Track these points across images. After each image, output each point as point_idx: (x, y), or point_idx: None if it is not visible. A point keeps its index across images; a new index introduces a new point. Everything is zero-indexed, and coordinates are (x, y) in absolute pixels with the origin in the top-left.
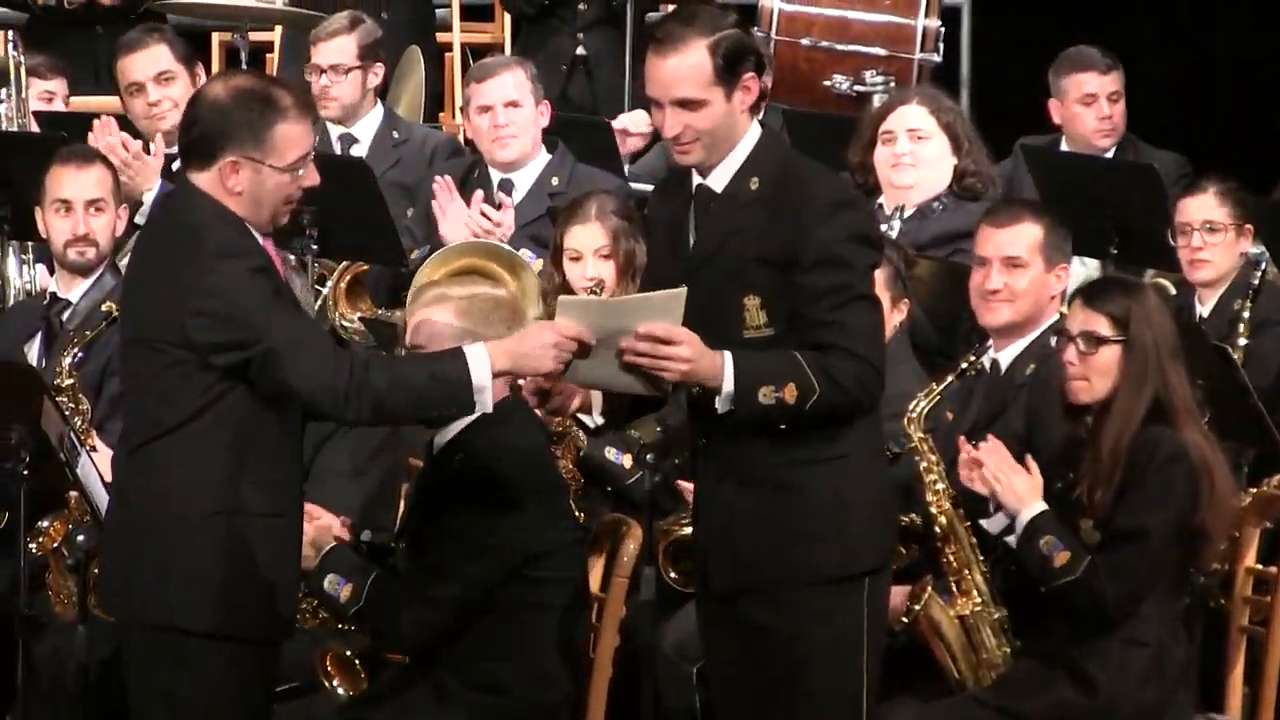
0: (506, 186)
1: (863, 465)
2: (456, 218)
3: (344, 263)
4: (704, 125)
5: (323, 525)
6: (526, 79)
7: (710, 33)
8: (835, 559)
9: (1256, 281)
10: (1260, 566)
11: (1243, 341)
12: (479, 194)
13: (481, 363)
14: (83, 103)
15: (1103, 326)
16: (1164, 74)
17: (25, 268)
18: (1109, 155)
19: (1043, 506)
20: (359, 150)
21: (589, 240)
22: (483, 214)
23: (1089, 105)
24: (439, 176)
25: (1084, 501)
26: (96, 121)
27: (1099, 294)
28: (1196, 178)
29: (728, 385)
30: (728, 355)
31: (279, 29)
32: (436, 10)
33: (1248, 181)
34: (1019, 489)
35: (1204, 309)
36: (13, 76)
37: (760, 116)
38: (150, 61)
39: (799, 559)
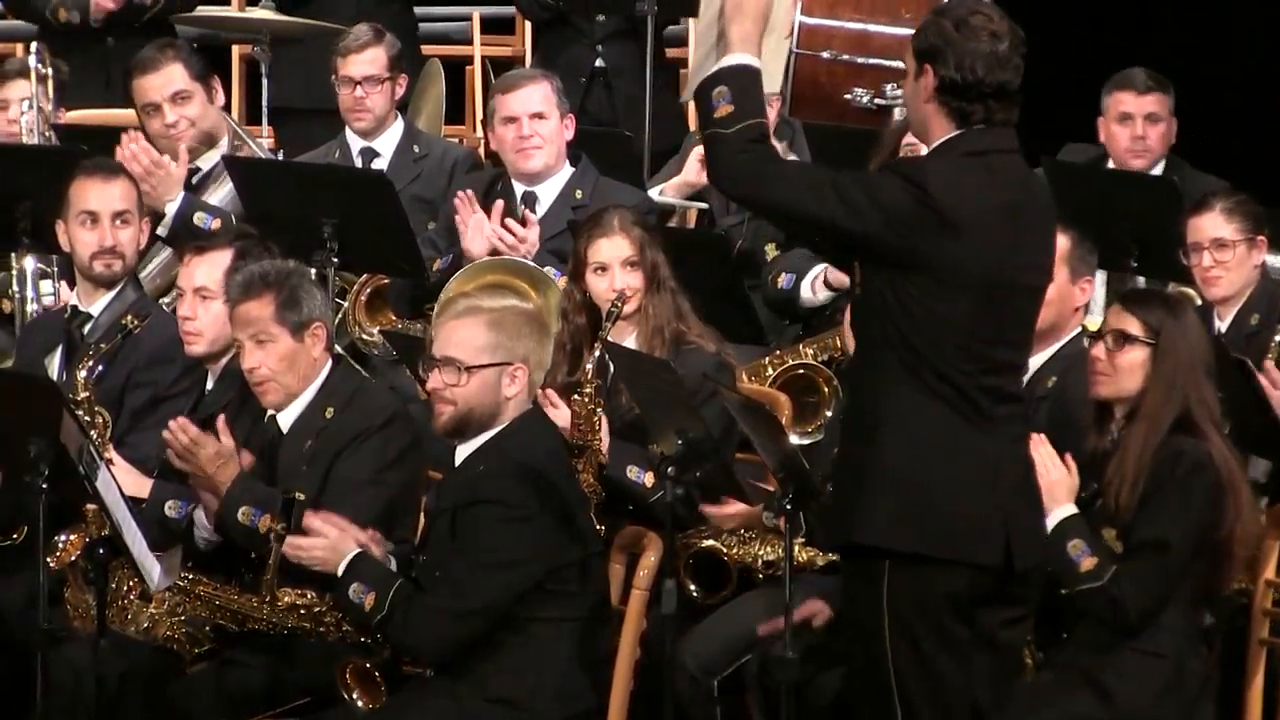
0: (530, 199)
1: (929, 446)
2: (479, 231)
3: (364, 276)
4: None
5: (344, 535)
6: (553, 91)
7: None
8: (861, 528)
9: None
10: None
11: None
12: (499, 204)
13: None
14: (94, 115)
15: (1133, 327)
16: (1184, 86)
17: (48, 281)
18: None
19: (1074, 509)
20: (379, 164)
21: (615, 251)
22: (507, 229)
23: (1124, 124)
24: (461, 191)
25: (1108, 510)
26: (124, 135)
27: (1139, 300)
28: (1203, 194)
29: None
30: None
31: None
32: (457, 23)
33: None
34: (1056, 487)
35: (1222, 324)
36: (35, 88)
37: None
38: (165, 81)
39: (845, 522)
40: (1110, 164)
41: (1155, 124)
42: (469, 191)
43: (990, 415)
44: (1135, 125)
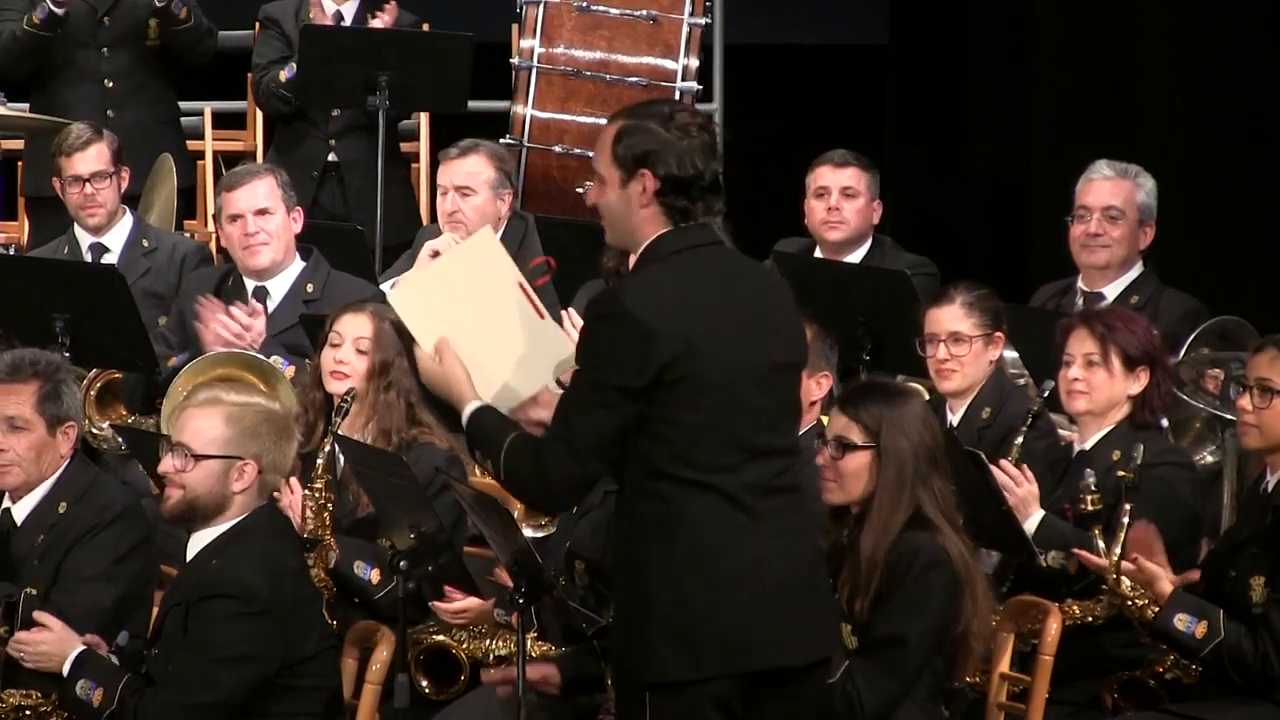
0: (261, 295)
1: (687, 563)
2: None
3: (94, 370)
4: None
5: (71, 632)
6: (277, 186)
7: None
8: (645, 666)
9: (1035, 408)
10: (1014, 673)
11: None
12: (237, 303)
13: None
14: None
15: (853, 433)
16: (922, 183)
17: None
18: (857, 257)
19: None
20: (110, 259)
21: (354, 329)
22: (230, 316)
23: (821, 198)
24: (201, 298)
25: (844, 607)
26: None
27: (856, 400)
28: (944, 286)
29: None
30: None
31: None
32: (188, 118)
33: (1015, 288)
34: None
35: (954, 417)
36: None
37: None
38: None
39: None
40: (818, 251)
41: (852, 198)
42: (211, 298)
43: (754, 512)
44: (830, 197)
